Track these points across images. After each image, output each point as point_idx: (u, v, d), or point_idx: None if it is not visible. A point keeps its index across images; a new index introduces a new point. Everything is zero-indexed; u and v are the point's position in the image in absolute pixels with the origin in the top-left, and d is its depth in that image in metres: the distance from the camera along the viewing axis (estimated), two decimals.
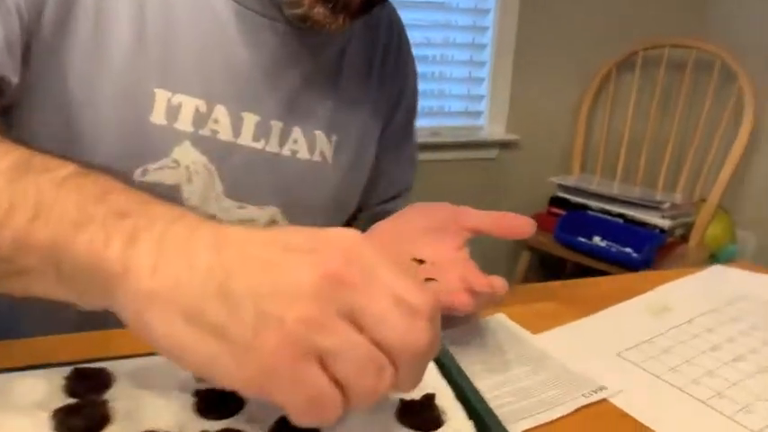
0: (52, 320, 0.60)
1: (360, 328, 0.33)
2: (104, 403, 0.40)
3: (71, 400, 0.41)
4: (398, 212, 0.72)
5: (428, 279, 0.59)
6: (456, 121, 2.57)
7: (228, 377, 0.33)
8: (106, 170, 0.42)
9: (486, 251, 2.54)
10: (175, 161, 0.65)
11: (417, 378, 0.37)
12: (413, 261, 0.61)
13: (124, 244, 0.36)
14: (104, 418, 0.40)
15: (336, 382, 0.33)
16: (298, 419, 0.34)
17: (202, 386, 0.43)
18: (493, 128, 2.59)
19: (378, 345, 0.34)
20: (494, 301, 0.62)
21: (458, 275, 0.58)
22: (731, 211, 2.62)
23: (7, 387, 0.42)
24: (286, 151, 0.72)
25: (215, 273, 0.34)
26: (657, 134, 2.48)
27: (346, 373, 0.33)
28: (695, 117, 2.42)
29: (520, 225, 0.63)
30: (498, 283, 0.57)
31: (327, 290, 0.33)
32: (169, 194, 0.65)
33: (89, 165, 0.42)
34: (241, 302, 0.33)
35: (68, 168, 0.41)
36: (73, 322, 0.55)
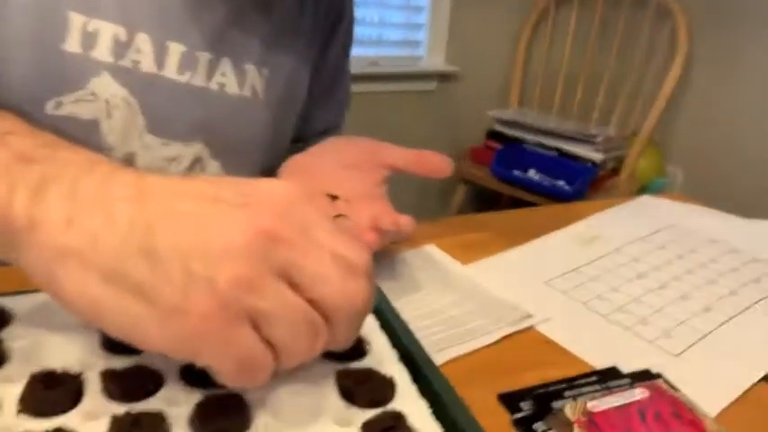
0: None
1: (295, 286, 0.32)
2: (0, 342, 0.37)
3: None
4: (316, 146, 0.69)
5: (338, 216, 0.57)
6: (394, 51, 2.52)
7: (153, 341, 0.31)
8: (7, 109, 0.38)
9: (421, 184, 2.56)
10: (93, 94, 0.60)
11: (353, 335, 0.35)
12: (326, 196, 0.59)
13: (31, 194, 0.32)
14: (1, 357, 0.37)
15: (268, 344, 0.32)
16: (226, 381, 0.33)
17: None
18: (432, 59, 2.55)
19: (314, 303, 0.32)
20: (401, 238, 0.62)
21: (369, 213, 0.57)
22: (662, 145, 2.68)
23: None
24: (213, 85, 0.68)
25: (137, 227, 0.31)
26: (594, 68, 2.50)
27: (279, 335, 0.32)
28: (631, 51, 2.44)
29: (438, 164, 0.62)
30: (404, 221, 0.57)
31: (261, 248, 0.31)
32: (86, 131, 0.60)
33: None
34: (167, 261, 0.30)
35: None
36: None
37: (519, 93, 2.62)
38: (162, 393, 0.35)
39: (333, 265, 0.33)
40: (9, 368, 0.36)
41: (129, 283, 0.30)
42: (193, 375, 0.36)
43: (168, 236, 0.31)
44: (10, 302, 0.41)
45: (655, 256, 0.69)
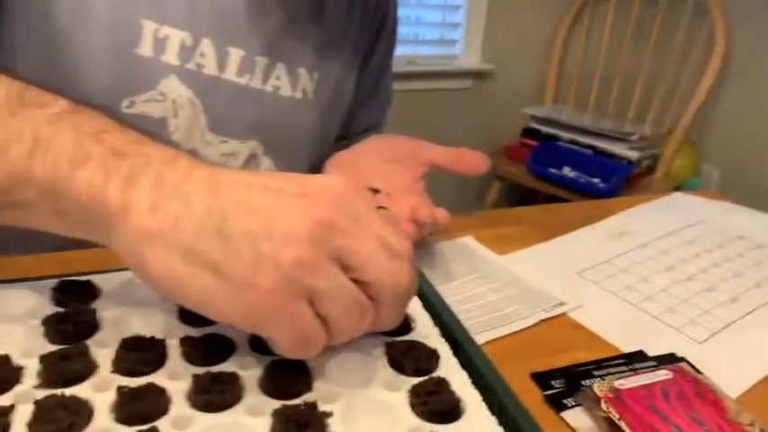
0: (35, 243, 0.62)
1: (347, 269, 0.36)
2: (92, 312, 0.42)
3: (60, 310, 0.43)
4: (359, 144, 0.74)
5: (379, 207, 0.61)
6: (431, 50, 2.55)
7: (225, 312, 0.36)
8: (96, 107, 0.43)
9: (457, 181, 2.59)
10: (162, 94, 0.65)
11: (398, 316, 0.40)
12: (368, 190, 0.63)
13: (123, 184, 0.37)
14: (93, 326, 0.42)
15: (322, 319, 0.36)
16: (285, 351, 0.37)
17: None
18: (468, 57, 2.57)
19: (363, 285, 0.37)
20: (438, 230, 0.66)
21: (408, 206, 0.61)
22: (697, 144, 2.67)
23: None
24: (269, 87, 0.73)
25: (212, 214, 0.36)
26: (630, 66, 2.49)
27: (332, 312, 0.36)
28: (667, 50, 2.43)
29: (475, 162, 0.66)
30: (440, 214, 0.61)
31: (319, 234, 0.35)
32: (155, 128, 0.65)
33: (79, 101, 0.43)
34: (238, 242, 0.35)
35: (61, 104, 0.41)
36: (55, 245, 0.56)
37: (554, 90, 2.63)
38: (234, 358, 0.40)
39: (380, 249, 0.37)
40: (101, 334, 0.42)
41: (205, 261, 0.35)
42: (261, 344, 0.41)
43: (239, 220, 0.35)
44: (98, 279, 0.47)
45: (683, 249, 0.72)
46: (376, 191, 0.65)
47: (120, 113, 0.62)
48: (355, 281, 0.37)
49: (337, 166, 0.71)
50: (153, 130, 0.64)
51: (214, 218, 0.36)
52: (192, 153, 0.69)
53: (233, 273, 0.35)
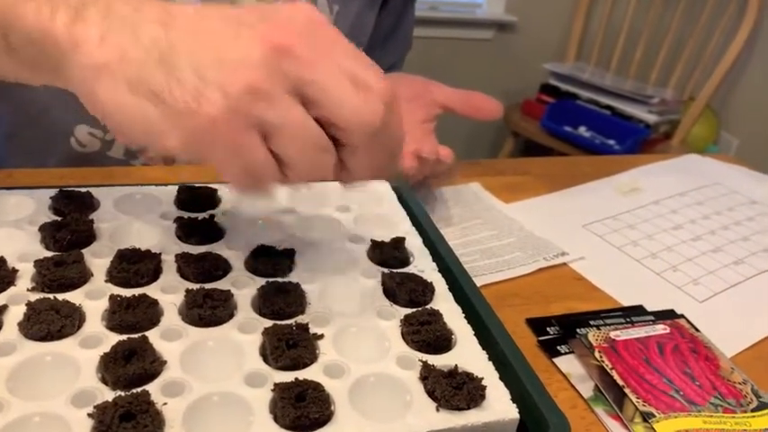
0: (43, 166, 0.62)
1: (309, 105, 0.33)
2: (90, 222, 0.42)
3: (57, 218, 0.43)
4: None
5: None
6: None
7: (168, 140, 0.34)
8: None
9: (470, 134, 2.56)
10: None
11: (372, 163, 0.37)
12: None
13: (71, 17, 0.35)
14: (89, 236, 0.42)
15: (278, 158, 0.34)
16: (233, 185, 0.36)
17: (184, 214, 0.45)
18: (491, 7, 2.51)
19: (327, 123, 0.34)
20: (441, 171, 0.63)
21: (414, 143, 0.59)
22: (718, 112, 2.62)
23: None
24: None
25: (160, 44, 0.34)
26: (657, 28, 2.43)
27: (286, 149, 0.33)
28: (696, 14, 2.36)
29: (486, 107, 0.64)
30: (444, 152, 0.59)
31: (275, 61, 0.32)
32: None
33: None
34: (182, 70, 0.33)
35: None
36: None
37: (577, 47, 2.57)
38: (229, 277, 0.40)
39: (347, 83, 0.33)
40: (97, 245, 0.41)
41: (149, 91, 0.33)
42: (257, 267, 0.41)
43: (187, 50, 0.33)
44: (97, 192, 0.46)
45: (693, 210, 0.71)
46: None
47: None
48: (321, 123, 0.34)
49: None
50: None
51: (161, 48, 0.34)
52: None
53: (174, 100, 0.33)
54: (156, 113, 0.33)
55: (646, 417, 0.41)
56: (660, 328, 0.50)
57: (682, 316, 0.53)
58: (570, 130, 2.24)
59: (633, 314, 0.52)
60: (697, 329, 0.51)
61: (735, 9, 2.28)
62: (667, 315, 0.53)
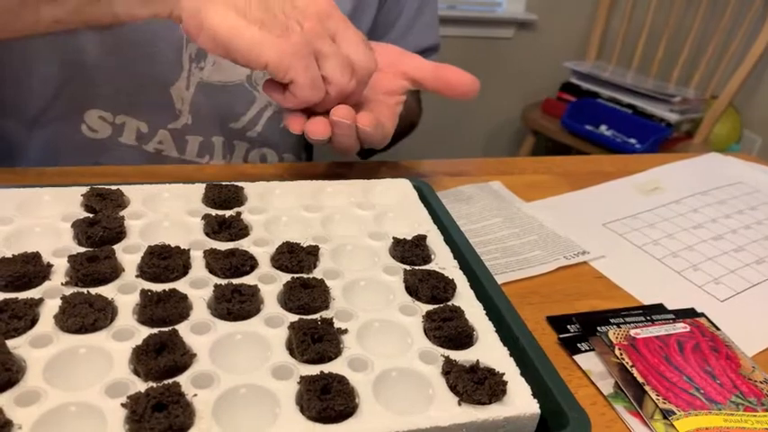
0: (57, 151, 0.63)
1: (338, 45, 0.51)
2: (121, 219, 0.43)
3: (89, 215, 0.44)
4: None
5: None
6: None
7: (265, 56, 0.48)
8: None
9: (490, 133, 2.56)
10: None
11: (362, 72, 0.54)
12: None
13: None
14: (120, 233, 0.43)
15: (323, 77, 0.51)
16: (300, 93, 0.51)
17: (212, 212, 0.46)
18: (511, 5, 2.51)
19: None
20: (370, 139, 0.57)
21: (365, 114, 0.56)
22: (741, 111, 2.59)
23: (33, 199, 0.46)
24: None
25: None
26: (679, 26, 2.41)
27: (331, 71, 0.51)
28: (720, 11, 2.34)
29: (461, 82, 0.59)
30: (364, 119, 0.54)
31: (325, 15, 0.51)
32: None
33: None
34: (275, 7, 0.49)
35: None
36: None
37: (598, 46, 2.55)
38: (256, 273, 0.41)
39: (361, 40, 0.53)
40: (128, 241, 0.43)
41: (254, 18, 0.48)
42: (283, 264, 0.42)
43: None
44: (127, 190, 0.48)
45: (714, 209, 0.71)
46: None
47: None
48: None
49: None
50: None
51: None
52: None
53: (273, 27, 0.48)
54: (260, 35, 0.48)
55: (666, 414, 0.42)
56: (680, 327, 0.51)
57: (702, 315, 0.53)
58: (591, 128, 2.23)
59: (653, 312, 0.53)
60: (718, 328, 0.51)
61: (759, 6, 2.25)
62: (688, 314, 0.53)
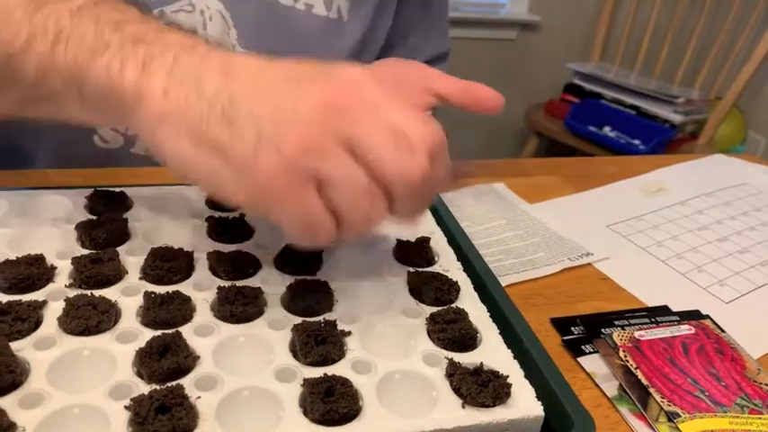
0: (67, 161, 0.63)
1: (357, 158, 0.34)
2: (124, 221, 0.43)
3: (93, 217, 0.44)
4: (376, 62, 0.72)
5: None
6: None
7: (229, 192, 0.36)
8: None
9: (493, 134, 2.55)
10: (191, 4, 0.65)
11: (414, 210, 0.38)
12: None
13: (138, 70, 0.37)
14: (124, 235, 0.43)
15: (331, 209, 0.35)
16: (293, 239, 0.38)
17: (215, 213, 0.46)
18: (515, 7, 2.51)
19: (374, 176, 0.35)
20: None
21: None
22: (745, 112, 2.58)
23: (36, 202, 0.46)
24: (300, 5, 0.72)
25: (221, 96, 0.35)
26: (683, 27, 2.40)
27: (340, 201, 0.35)
28: (724, 12, 2.33)
29: (486, 98, 0.58)
30: None
31: (326, 117, 0.34)
32: None
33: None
34: (243, 125, 0.34)
35: None
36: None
37: (601, 47, 2.55)
38: (259, 275, 0.41)
39: (392, 140, 0.34)
40: (131, 243, 0.43)
41: (209, 142, 0.35)
42: (286, 264, 0.42)
43: (246, 104, 0.35)
44: (131, 192, 0.48)
45: (719, 210, 0.71)
46: None
47: None
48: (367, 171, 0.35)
49: None
50: None
51: (221, 100, 0.35)
52: None
53: (235, 155, 0.34)
54: (218, 166, 0.35)
55: (671, 416, 0.42)
56: (685, 329, 0.50)
57: (707, 317, 0.53)
58: (595, 129, 2.23)
59: (658, 314, 0.53)
60: (722, 330, 0.51)
61: (763, 7, 2.25)
62: (692, 315, 0.53)
